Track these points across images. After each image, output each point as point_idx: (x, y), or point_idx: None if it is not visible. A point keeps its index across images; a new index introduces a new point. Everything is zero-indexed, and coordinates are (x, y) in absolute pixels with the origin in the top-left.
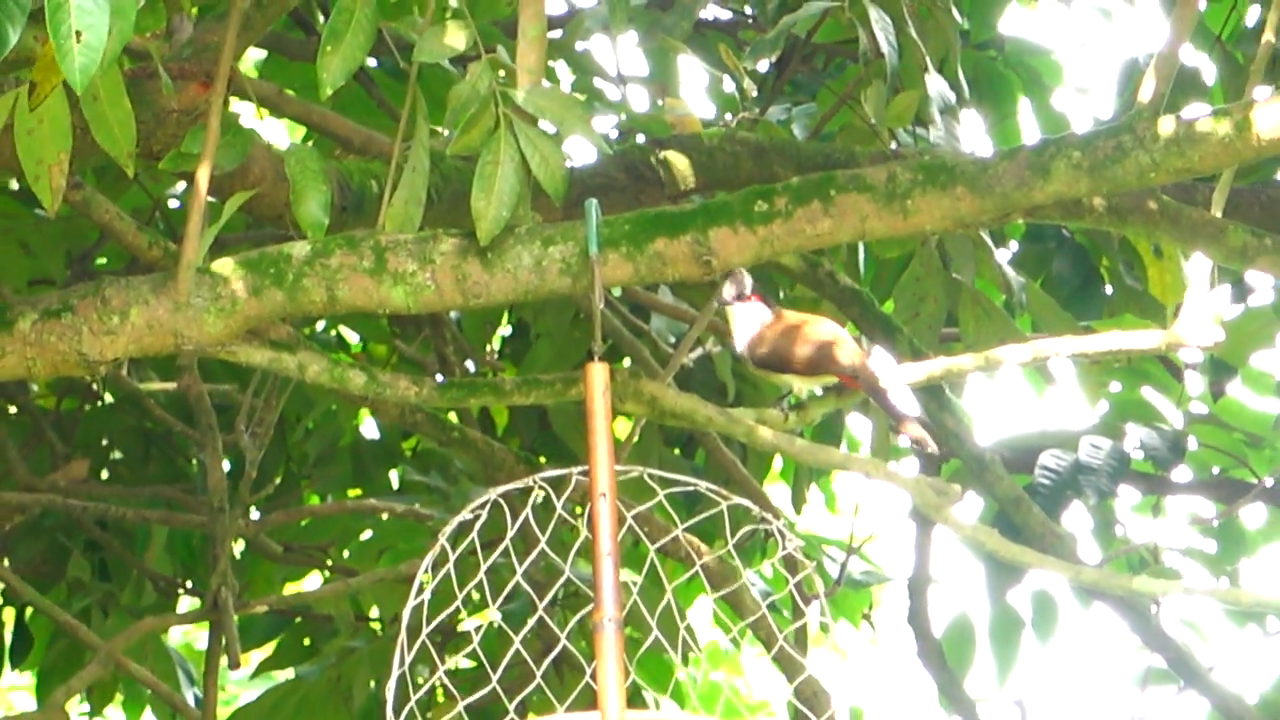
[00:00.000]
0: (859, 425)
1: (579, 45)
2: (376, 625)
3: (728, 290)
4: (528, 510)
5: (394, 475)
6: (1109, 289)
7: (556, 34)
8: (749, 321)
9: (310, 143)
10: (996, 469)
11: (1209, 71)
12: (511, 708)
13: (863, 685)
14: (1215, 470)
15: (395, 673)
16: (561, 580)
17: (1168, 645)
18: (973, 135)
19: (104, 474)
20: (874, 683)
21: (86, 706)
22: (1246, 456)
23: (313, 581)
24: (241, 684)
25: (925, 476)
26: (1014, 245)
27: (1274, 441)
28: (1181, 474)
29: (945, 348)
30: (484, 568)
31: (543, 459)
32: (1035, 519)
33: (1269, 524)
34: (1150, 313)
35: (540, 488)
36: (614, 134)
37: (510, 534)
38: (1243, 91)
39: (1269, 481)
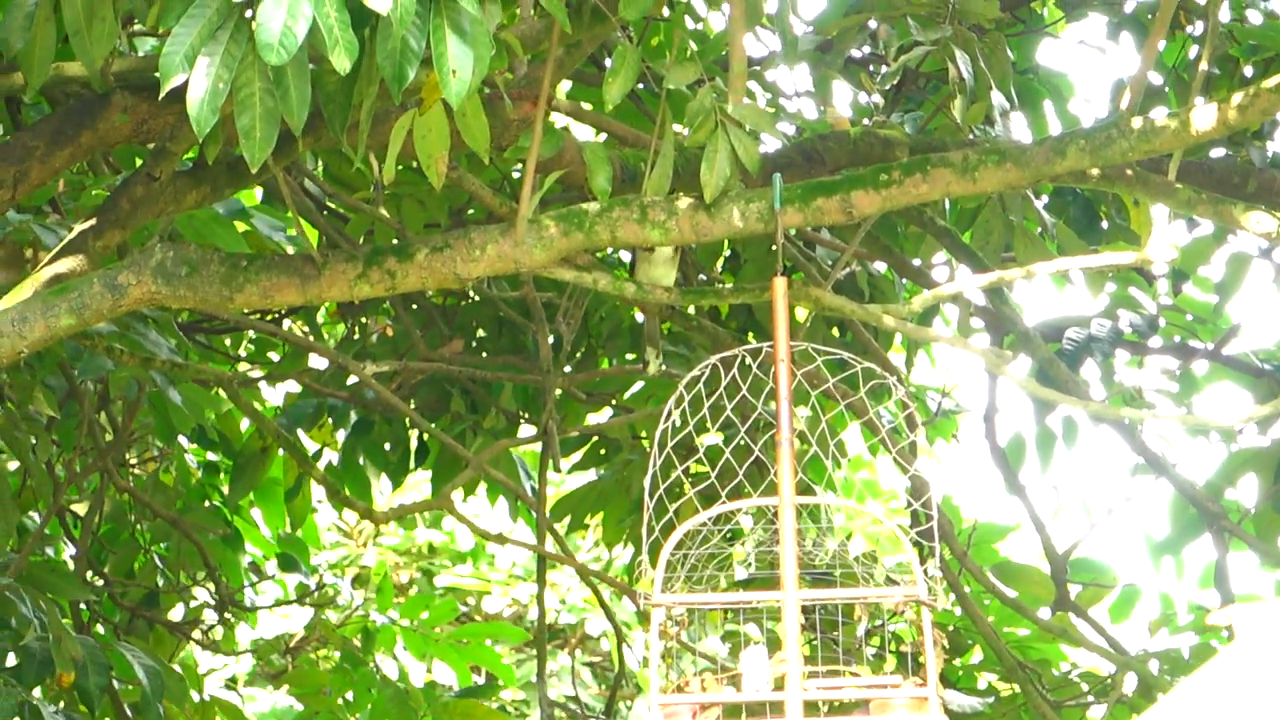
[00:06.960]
0: (951, 312)
1: (769, 75)
2: (645, 443)
3: None
4: (735, 369)
5: None
6: (1105, 225)
7: (755, 68)
8: None
9: (600, 138)
10: (1037, 340)
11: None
12: (724, 493)
13: (951, 478)
14: (1176, 339)
15: (650, 472)
16: (756, 413)
17: (1146, 450)
18: (1019, 130)
19: (474, 347)
20: (959, 476)
21: (460, 493)
22: (1196, 331)
23: (605, 415)
24: (559, 483)
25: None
26: (1045, 198)
27: (1214, 321)
28: (1155, 342)
29: (1004, 264)
30: (708, 404)
31: (750, 337)
32: (1062, 372)
33: (1210, 373)
34: (1132, 241)
35: (744, 356)
36: (792, 131)
37: (724, 384)
38: (1188, 101)
39: (1210, 346)
